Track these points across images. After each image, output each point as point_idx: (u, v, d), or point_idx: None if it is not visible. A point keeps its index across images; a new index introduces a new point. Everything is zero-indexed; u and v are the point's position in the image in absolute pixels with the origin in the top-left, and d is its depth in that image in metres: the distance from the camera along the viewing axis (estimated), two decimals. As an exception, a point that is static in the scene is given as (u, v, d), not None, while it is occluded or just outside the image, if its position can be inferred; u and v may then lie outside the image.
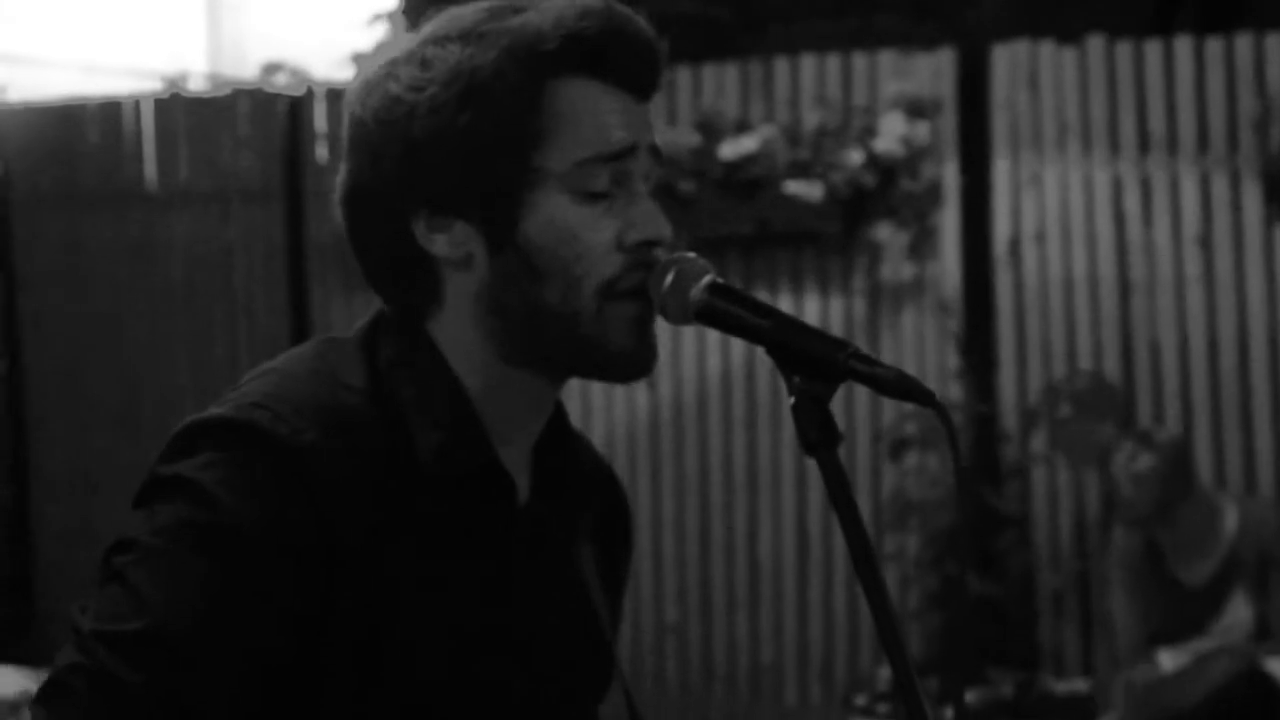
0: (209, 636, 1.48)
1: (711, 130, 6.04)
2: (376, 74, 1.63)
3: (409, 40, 1.65)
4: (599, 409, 6.37)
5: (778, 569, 6.21)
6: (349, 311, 6.81)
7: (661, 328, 1.64)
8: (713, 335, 6.11)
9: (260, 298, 7.01)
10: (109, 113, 7.22)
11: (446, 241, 1.61)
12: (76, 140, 7.27)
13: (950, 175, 5.98)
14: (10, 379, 7.30)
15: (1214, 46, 5.78)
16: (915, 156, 5.87)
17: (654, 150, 1.65)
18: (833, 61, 6.17)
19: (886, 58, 6.10)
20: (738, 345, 6.24)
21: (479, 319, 1.62)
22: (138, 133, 7.22)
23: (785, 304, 6.21)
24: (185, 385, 7.07)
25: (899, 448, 5.77)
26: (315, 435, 1.53)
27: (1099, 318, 5.86)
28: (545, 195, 1.59)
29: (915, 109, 5.87)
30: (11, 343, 7.29)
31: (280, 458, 1.52)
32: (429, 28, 1.64)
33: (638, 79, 1.64)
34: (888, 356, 6.07)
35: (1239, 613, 5.19)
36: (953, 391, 5.90)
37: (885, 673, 5.67)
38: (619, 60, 1.62)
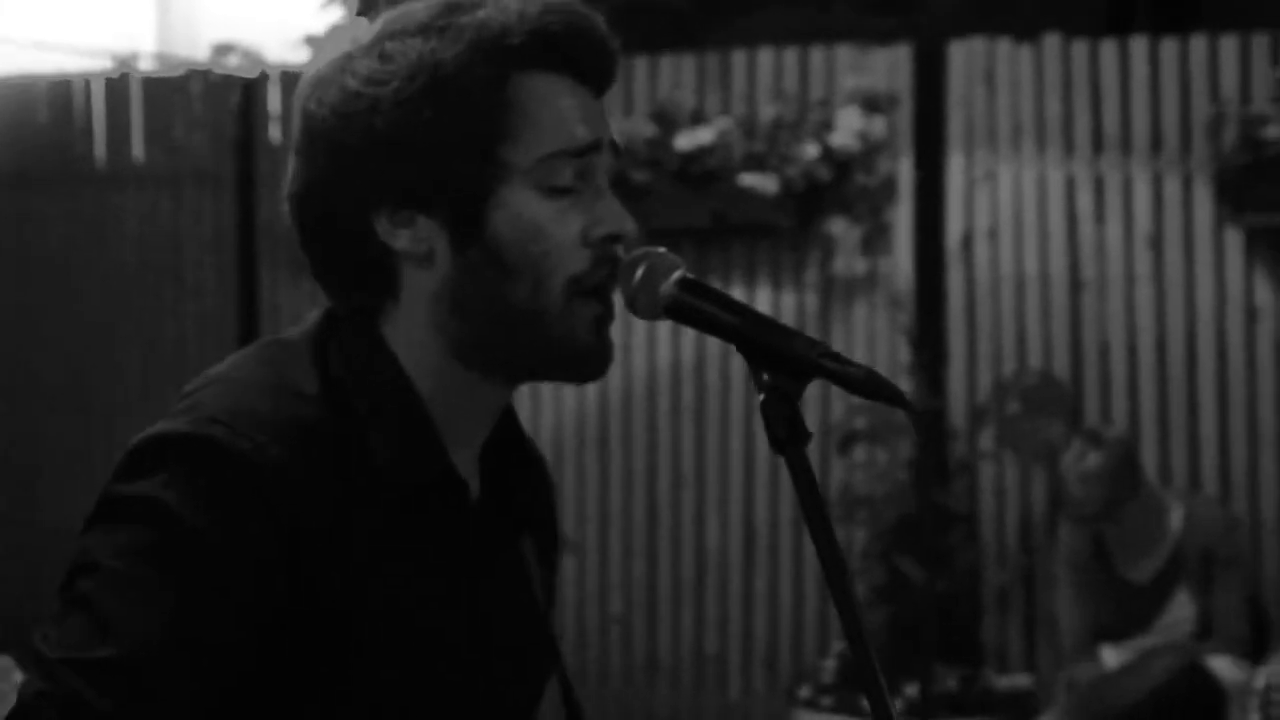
0: (177, 660, 1.46)
1: (667, 121, 6.03)
2: (330, 67, 1.61)
3: (359, 35, 1.63)
4: (547, 400, 6.36)
5: (723, 561, 6.22)
6: (297, 296, 6.79)
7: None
8: (663, 327, 6.13)
9: (210, 281, 6.96)
10: (59, 92, 7.16)
11: (409, 237, 1.59)
12: (26, 119, 7.20)
13: (905, 170, 5.99)
14: (-45, 357, 7.24)
15: (1169, 48, 5.82)
16: (871, 151, 5.89)
17: (614, 146, 1.65)
18: (790, 54, 6.18)
19: (843, 52, 6.11)
20: (687, 337, 6.24)
21: (437, 318, 1.60)
22: (88, 112, 7.16)
23: (738, 296, 6.20)
24: (133, 367, 7.02)
25: (848, 441, 5.78)
26: (276, 450, 1.51)
27: (1049, 315, 5.89)
28: (512, 190, 1.57)
29: (871, 104, 5.88)
30: (-43, 321, 7.23)
31: (242, 474, 1.49)
32: (381, 23, 1.62)
33: (597, 74, 1.64)
34: (839, 350, 6.06)
35: (1182, 610, 5.23)
36: (903, 386, 5.92)
37: (830, 665, 5.69)
38: (580, 55, 1.62)
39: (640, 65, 6.25)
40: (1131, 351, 5.81)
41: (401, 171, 1.57)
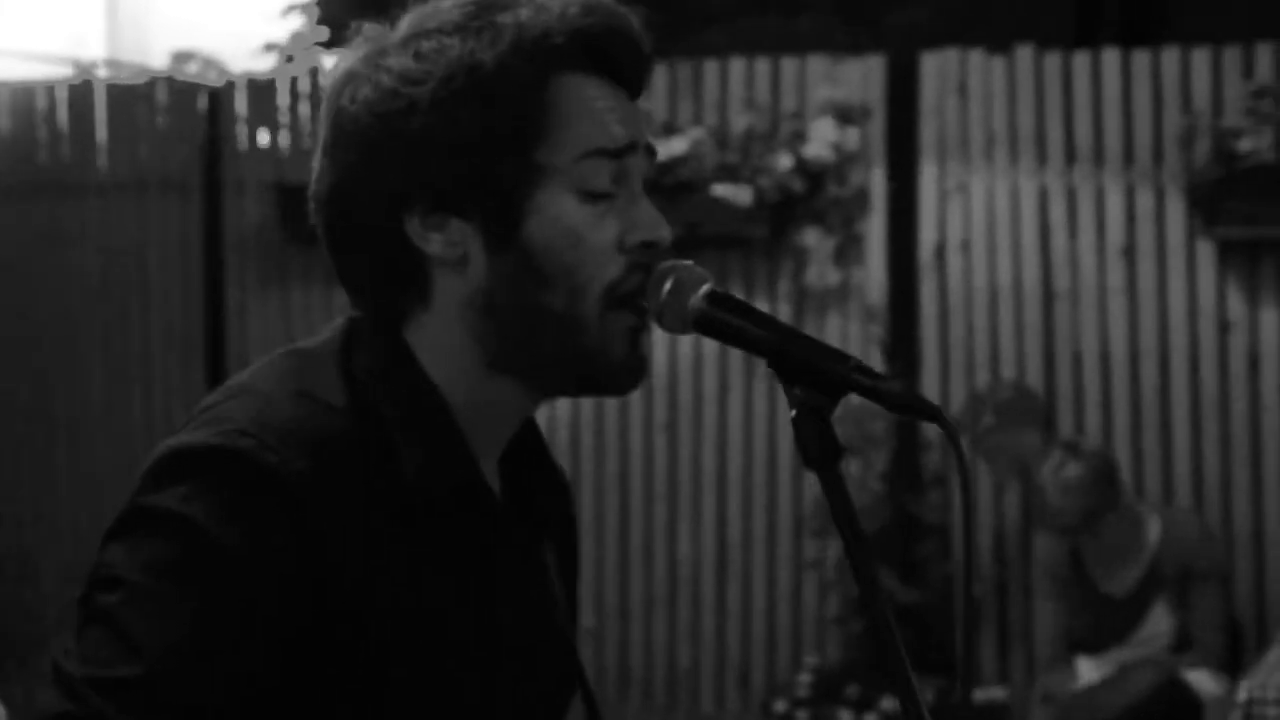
0: (202, 678, 1.42)
1: (640, 131, 6.00)
2: (361, 64, 1.57)
3: (383, 34, 1.59)
4: (520, 409, 6.32)
5: (696, 572, 6.20)
6: (265, 305, 6.74)
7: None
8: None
9: (175, 290, 6.90)
10: (21, 99, 7.09)
11: (442, 240, 1.55)
12: (-12, 126, 7.13)
13: (877, 182, 5.99)
14: (-84, 368, 7.16)
15: (1141, 60, 5.83)
16: (844, 162, 5.88)
17: (649, 149, 1.62)
18: (761, 65, 6.16)
19: (816, 62, 6.10)
20: (660, 348, 6.21)
21: (468, 323, 1.57)
22: (51, 120, 7.09)
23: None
24: (97, 378, 6.96)
25: (822, 453, 5.75)
26: (303, 464, 1.47)
27: (1022, 327, 5.89)
28: (549, 194, 1.54)
29: (845, 115, 5.87)
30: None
31: (268, 488, 1.46)
32: (411, 20, 1.59)
33: (634, 76, 1.61)
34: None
35: (1160, 623, 5.23)
36: (876, 398, 5.91)
37: (805, 679, 5.67)
38: (619, 57, 1.59)
39: (612, 75, 6.22)
40: (1104, 363, 5.81)
41: (436, 173, 1.53)
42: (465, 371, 1.59)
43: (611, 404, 6.25)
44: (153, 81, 7.01)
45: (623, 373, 1.59)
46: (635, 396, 6.21)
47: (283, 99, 6.78)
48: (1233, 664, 5.28)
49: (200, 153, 6.84)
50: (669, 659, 6.24)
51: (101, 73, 7.23)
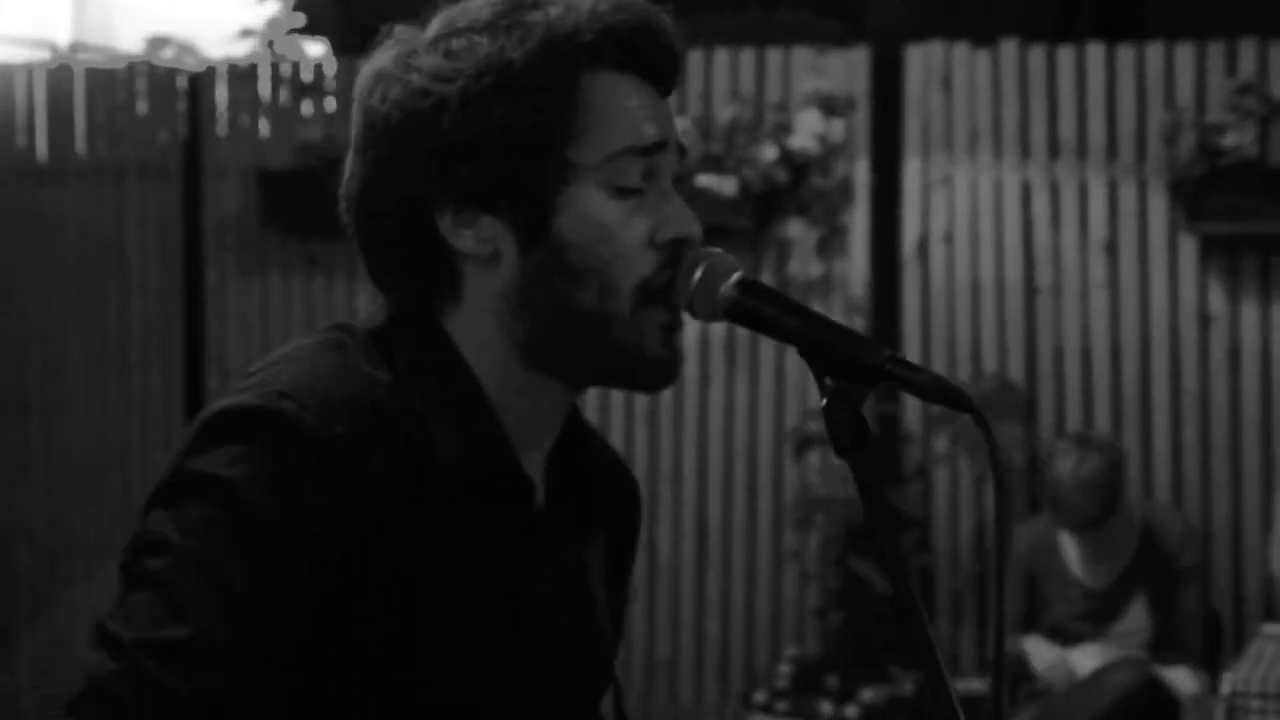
0: (250, 640, 1.43)
1: (624, 121, 5.99)
2: (391, 63, 1.59)
3: (414, 34, 1.61)
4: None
5: (676, 564, 6.20)
6: (244, 292, 6.71)
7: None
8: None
9: (154, 277, 6.87)
10: None
11: (473, 237, 1.56)
12: (-34, 110, 7.08)
13: (861, 174, 5.99)
14: (-109, 352, 7.11)
15: (1125, 55, 5.85)
16: (828, 154, 5.88)
17: (680, 147, 1.63)
18: (746, 56, 6.16)
19: (801, 54, 6.10)
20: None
21: (500, 319, 1.58)
22: (29, 104, 7.05)
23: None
24: (75, 365, 6.92)
25: (804, 445, 5.77)
26: (343, 428, 1.48)
27: (1004, 320, 5.91)
28: (580, 191, 1.55)
29: (830, 106, 5.87)
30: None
31: (309, 450, 1.47)
32: (441, 19, 1.60)
33: (664, 74, 1.62)
34: (794, 355, 6.01)
35: (1139, 618, 5.24)
36: (858, 390, 5.92)
37: (785, 670, 5.68)
38: (650, 55, 1.60)
39: (596, 65, 6.21)
40: (1086, 357, 5.83)
41: (468, 170, 1.54)
42: (498, 365, 1.59)
43: (592, 394, 6.23)
44: (132, 66, 6.98)
45: (657, 369, 1.60)
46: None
47: (264, 85, 6.75)
48: (1211, 660, 5.31)
49: (180, 138, 6.80)
50: (647, 649, 6.24)
51: (80, 57, 7.19)
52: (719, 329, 6.13)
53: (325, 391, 1.50)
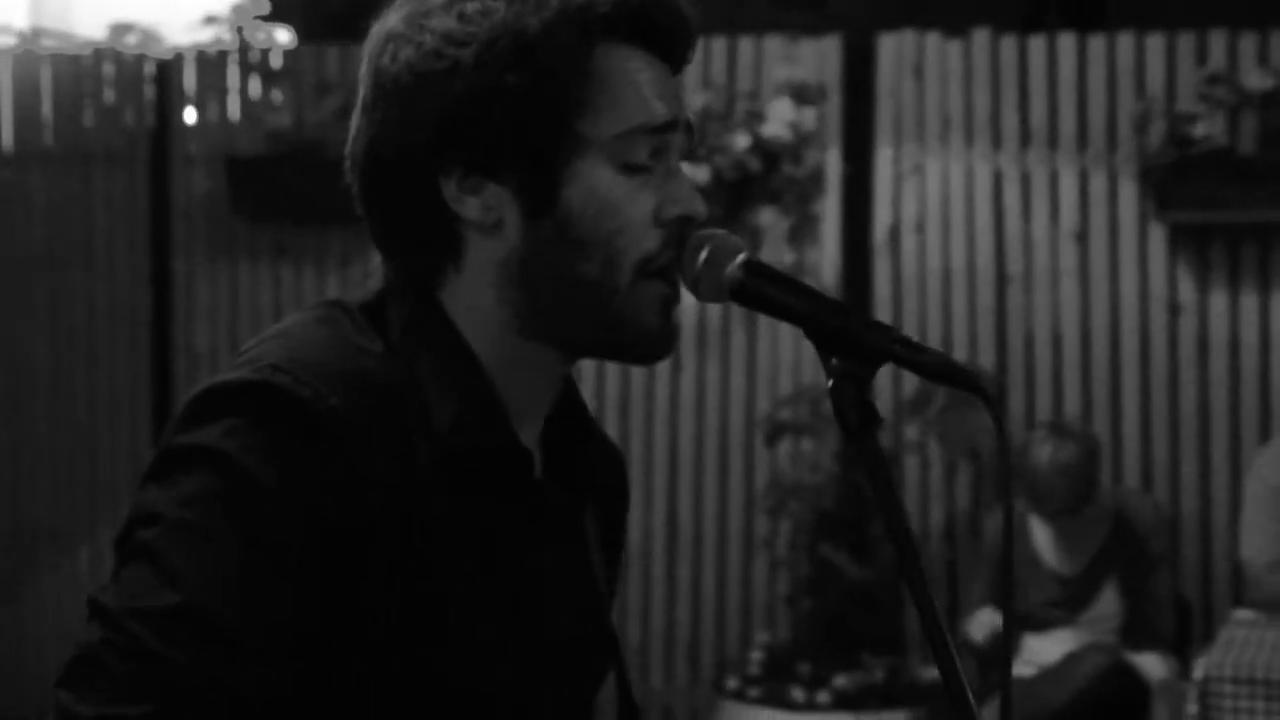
0: (246, 609, 1.42)
1: (596, 108, 5.98)
2: (403, 24, 1.58)
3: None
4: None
5: (647, 551, 6.20)
6: (212, 279, 6.68)
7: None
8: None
9: (122, 263, 6.83)
10: (-35, 68, 7.00)
11: (478, 205, 1.56)
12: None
13: (833, 163, 6.00)
14: None
15: (1096, 44, 5.87)
16: (800, 143, 5.88)
17: (689, 126, 1.63)
18: (718, 44, 6.16)
19: (772, 43, 6.10)
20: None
21: (500, 288, 1.57)
22: (-5, 90, 7.00)
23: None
24: (42, 353, 6.88)
25: (775, 433, 5.78)
26: (337, 400, 1.47)
27: (975, 308, 5.92)
28: (588, 164, 1.55)
29: (802, 95, 5.87)
30: None
31: (304, 423, 1.46)
32: None
33: (677, 50, 1.62)
34: (765, 343, 6.09)
35: (1109, 604, 5.27)
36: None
37: (756, 656, 5.69)
38: (664, 30, 1.60)
39: (568, 52, 6.19)
40: (1056, 345, 5.86)
41: (476, 136, 1.53)
42: (496, 335, 1.59)
43: (563, 382, 6.23)
44: (99, 53, 6.93)
45: (654, 341, 1.60)
46: (587, 375, 6.21)
47: (232, 71, 6.72)
48: (1182, 645, 5.34)
49: (147, 125, 6.77)
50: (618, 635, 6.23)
51: (46, 42, 7.14)
52: (689, 317, 6.13)
53: (319, 365, 1.49)
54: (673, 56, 1.61)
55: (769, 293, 1.57)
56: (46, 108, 6.95)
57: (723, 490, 6.14)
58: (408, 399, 1.53)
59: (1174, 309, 5.76)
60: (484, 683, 1.57)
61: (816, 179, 5.98)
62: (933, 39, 5.99)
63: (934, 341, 5.92)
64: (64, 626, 6.81)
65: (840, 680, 5.38)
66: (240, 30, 6.77)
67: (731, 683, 5.58)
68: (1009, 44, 5.94)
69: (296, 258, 6.60)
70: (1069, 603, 5.28)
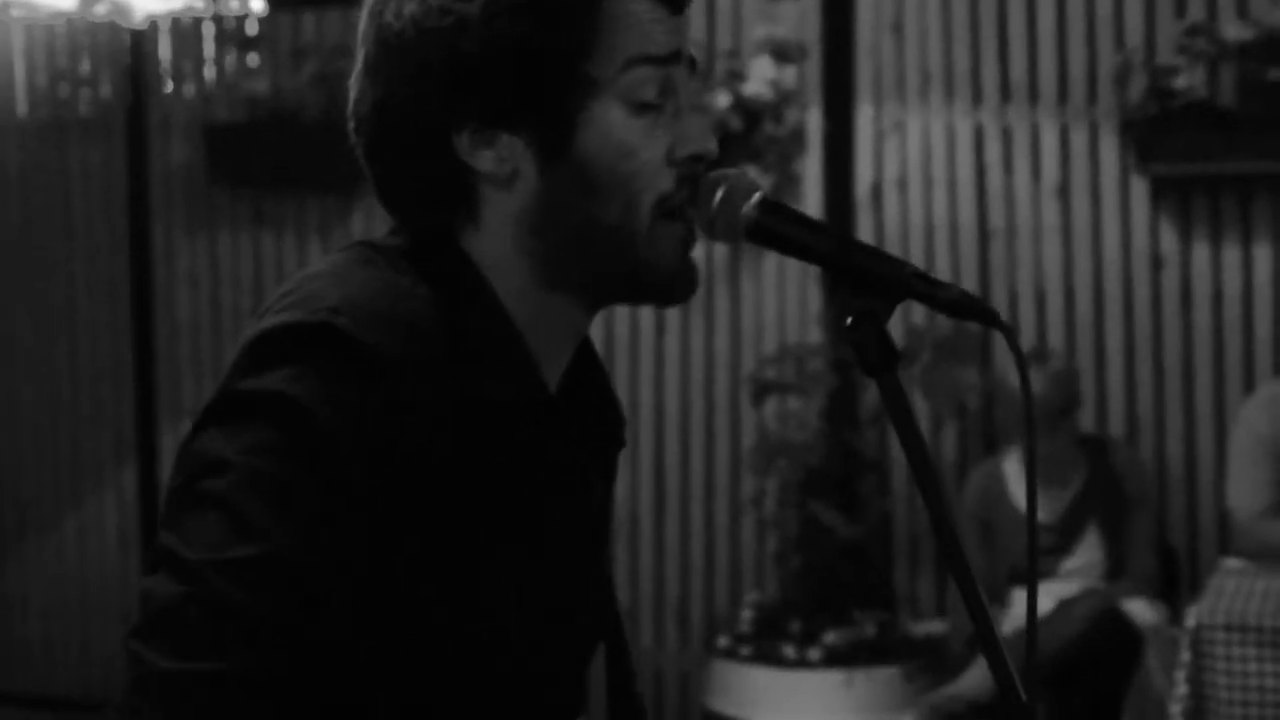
0: (320, 557, 1.40)
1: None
2: None
3: None
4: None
5: (634, 512, 6.21)
6: (191, 248, 6.66)
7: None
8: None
9: (100, 233, 6.81)
10: (-61, 39, 6.95)
11: (493, 158, 1.55)
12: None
13: (814, 121, 5.99)
14: None
15: (1075, -2, 5.87)
16: (781, 101, 5.88)
17: (693, 62, 1.62)
18: (697, 2, 6.12)
19: (751, 0, 6.09)
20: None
21: (519, 240, 1.57)
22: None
23: (645, 247, 6.19)
24: (23, 326, 6.86)
25: (761, 392, 5.78)
26: (397, 345, 1.46)
27: (958, 264, 5.93)
28: (601, 107, 1.54)
29: (782, 53, 5.86)
30: None
31: (368, 367, 1.44)
32: None
33: None
34: (749, 300, 6.09)
35: (1092, 551, 5.29)
36: (814, 335, 5.94)
37: (747, 615, 5.70)
38: None
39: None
40: (1039, 300, 5.87)
41: (487, 89, 1.53)
42: (517, 288, 1.58)
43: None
44: (72, 22, 6.89)
45: (676, 281, 1.60)
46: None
47: (208, 39, 6.69)
48: (1169, 592, 5.37)
49: (123, 94, 6.73)
50: (607, 598, 6.24)
51: (15, 13, 7.09)
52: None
53: (376, 308, 1.48)
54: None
55: (785, 231, 1.58)
56: (20, 79, 6.91)
57: (710, 450, 6.15)
58: (451, 347, 1.52)
59: (1156, 262, 5.77)
60: (504, 625, 1.57)
61: (798, 137, 5.97)
62: (912, -6, 5.98)
63: (918, 298, 5.91)
64: (51, 599, 6.80)
65: (831, 636, 5.40)
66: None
67: (722, 641, 5.59)
68: (988, -1, 5.93)
69: (276, 225, 6.58)
70: (1052, 551, 5.29)
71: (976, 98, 5.92)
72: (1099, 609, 5.09)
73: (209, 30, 6.71)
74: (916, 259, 5.96)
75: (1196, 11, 5.69)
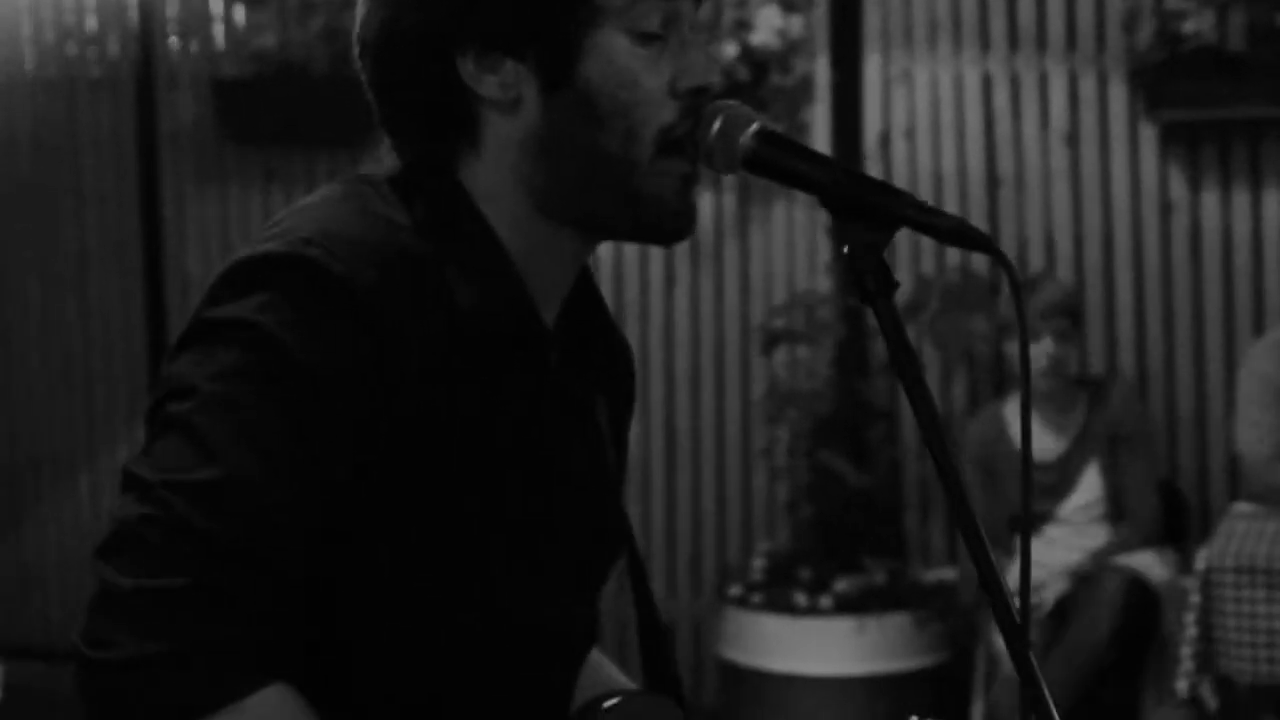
0: (282, 482, 1.42)
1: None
2: None
3: None
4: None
5: (645, 463, 6.22)
6: (201, 204, 6.67)
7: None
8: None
9: (110, 190, 6.81)
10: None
11: (496, 83, 1.56)
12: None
13: (821, 70, 5.98)
14: None
15: (1083, -57, 5.84)
16: (789, 51, 5.86)
17: None
18: (704, -47, 6.11)
19: (758, -50, 6.07)
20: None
21: (519, 168, 1.57)
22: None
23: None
24: (33, 282, 6.87)
25: (771, 341, 5.79)
26: (371, 274, 1.48)
27: (967, 212, 5.92)
28: (604, 35, 1.55)
29: (789, 2, 5.85)
30: None
31: (337, 297, 1.46)
32: None
33: None
34: (758, 250, 6.09)
35: (1091, 491, 5.27)
36: (822, 284, 5.94)
37: (759, 563, 5.72)
38: None
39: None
40: (1049, 247, 5.87)
41: (494, 14, 1.53)
42: (515, 216, 1.59)
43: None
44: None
45: (674, 218, 1.60)
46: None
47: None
48: (1175, 536, 5.36)
49: (131, 50, 6.73)
50: (619, 549, 6.26)
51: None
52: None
53: (351, 238, 1.49)
54: None
55: (783, 161, 1.58)
56: (28, 35, 6.90)
57: (720, 401, 6.16)
58: (436, 276, 1.53)
59: (1166, 208, 5.76)
60: (498, 556, 1.58)
61: (805, 87, 5.96)
62: (919, -58, 5.96)
63: (926, 246, 5.93)
64: (64, 557, 6.83)
65: (841, 584, 5.41)
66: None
67: (734, 590, 5.61)
68: (996, -55, 5.91)
69: (286, 180, 6.59)
70: (1052, 491, 5.27)
71: (984, 45, 5.91)
72: (1124, 585, 4.98)
73: (216, -15, 6.70)
74: (925, 207, 5.94)
75: (1205, -45, 5.66)
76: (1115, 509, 5.28)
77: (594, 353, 1.72)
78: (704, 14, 5.21)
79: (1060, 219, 5.85)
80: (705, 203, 6.11)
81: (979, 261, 5.89)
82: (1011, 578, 5.13)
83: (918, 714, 5.17)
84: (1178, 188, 5.74)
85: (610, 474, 1.74)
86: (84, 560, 6.21)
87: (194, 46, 6.71)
